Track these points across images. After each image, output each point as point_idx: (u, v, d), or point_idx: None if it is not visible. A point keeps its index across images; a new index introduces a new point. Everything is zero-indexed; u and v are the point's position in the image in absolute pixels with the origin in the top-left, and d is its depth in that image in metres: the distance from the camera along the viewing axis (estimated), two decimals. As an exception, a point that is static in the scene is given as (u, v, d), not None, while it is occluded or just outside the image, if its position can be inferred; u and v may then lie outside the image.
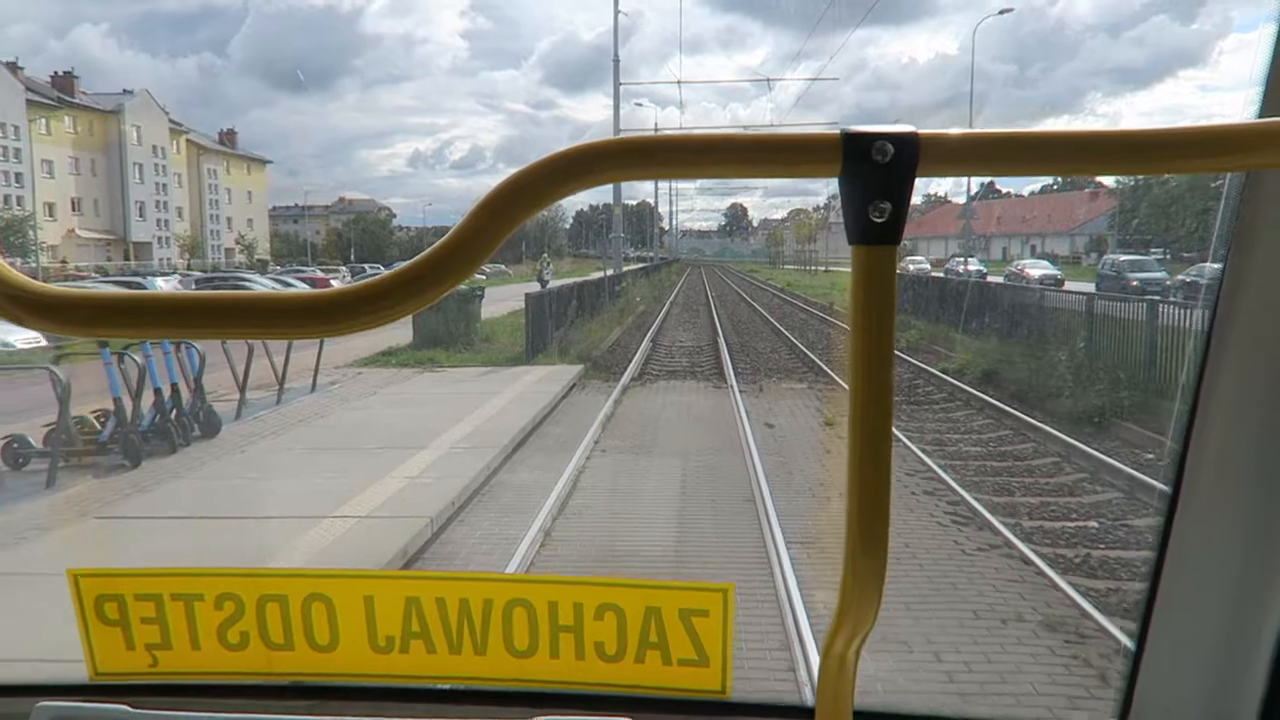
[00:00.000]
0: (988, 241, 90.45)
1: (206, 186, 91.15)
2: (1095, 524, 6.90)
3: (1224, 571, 0.94)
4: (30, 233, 50.53)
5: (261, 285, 33.00)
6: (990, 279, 26.59)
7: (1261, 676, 0.91)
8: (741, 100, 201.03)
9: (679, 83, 47.87)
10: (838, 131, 0.47)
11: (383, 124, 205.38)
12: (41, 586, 4.65)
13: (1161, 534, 0.98)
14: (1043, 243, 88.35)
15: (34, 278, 0.50)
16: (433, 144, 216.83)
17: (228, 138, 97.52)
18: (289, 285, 34.76)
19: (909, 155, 0.46)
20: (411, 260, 0.47)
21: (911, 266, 41.09)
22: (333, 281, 39.05)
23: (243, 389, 10.24)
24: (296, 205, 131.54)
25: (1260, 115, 0.83)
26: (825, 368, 14.52)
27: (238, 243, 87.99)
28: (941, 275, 28.34)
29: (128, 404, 7.96)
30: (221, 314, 0.47)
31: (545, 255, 42.89)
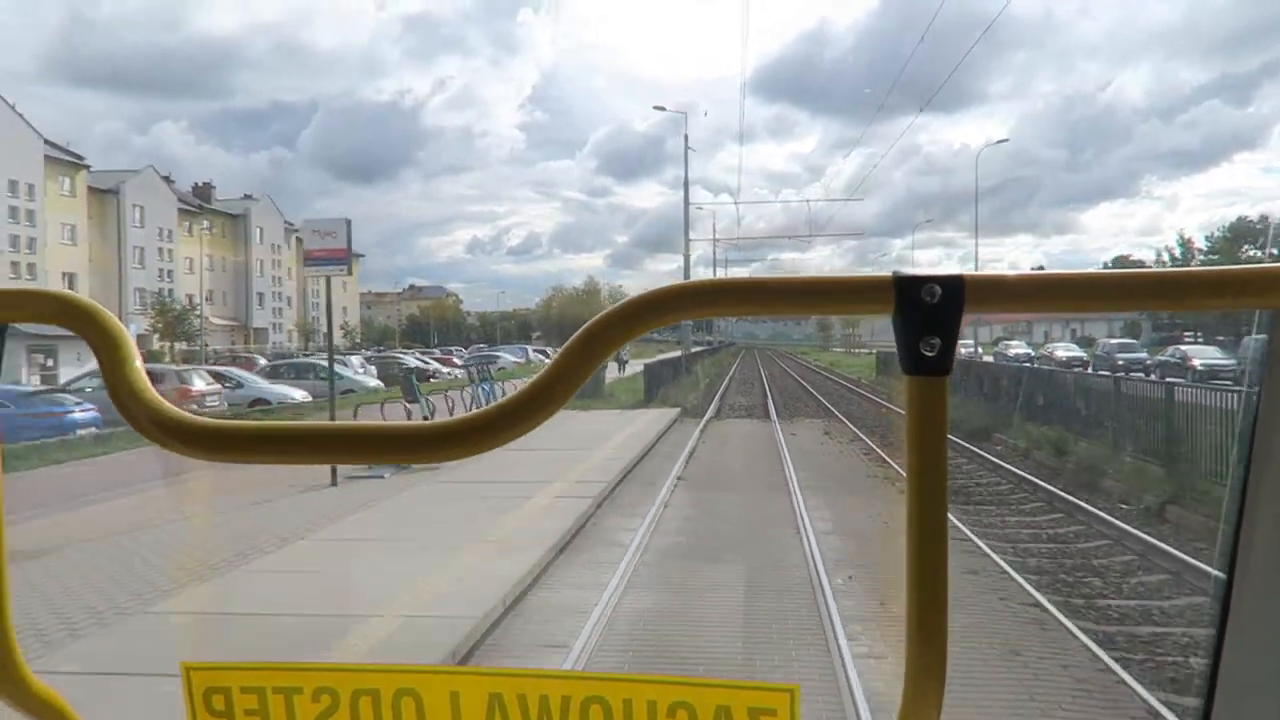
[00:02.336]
0: (1030, 326, 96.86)
1: (155, 252, 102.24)
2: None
3: None
4: (196, 321, 61.09)
5: (407, 359, 42.11)
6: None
7: None
8: (794, 185, 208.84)
9: (736, 204, 56.78)
10: (890, 274, 0.52)
11: (443, 212, 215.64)
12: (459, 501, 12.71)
13: (1219, 619, 0.98)
14: (1082, 327, 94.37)
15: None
16: (490, 231, 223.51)
17: (201, 192, 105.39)
18: (427, 363, 43.65)
19: (955, 296, 0.51)
20: (512, 395, 0.53)
21: (963, 350, 48.13)
22: (454, 360, 47.97)
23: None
24: (370, 292, 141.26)
25: None
26: (835, 411, 22.48)
27: (341, 328, 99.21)
28: (990, 359, 33.76)
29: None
30: (356, 442, 0.54)
31: (622, 339, 50.05)
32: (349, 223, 10.83)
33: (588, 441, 16.06)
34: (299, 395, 25.55)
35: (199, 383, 22.18)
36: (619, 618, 6.76)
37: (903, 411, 0.54)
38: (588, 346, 0.53)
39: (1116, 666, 5.81)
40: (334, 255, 10.96)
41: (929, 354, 0.51)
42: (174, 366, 28.11)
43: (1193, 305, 0.53)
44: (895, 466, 13.48)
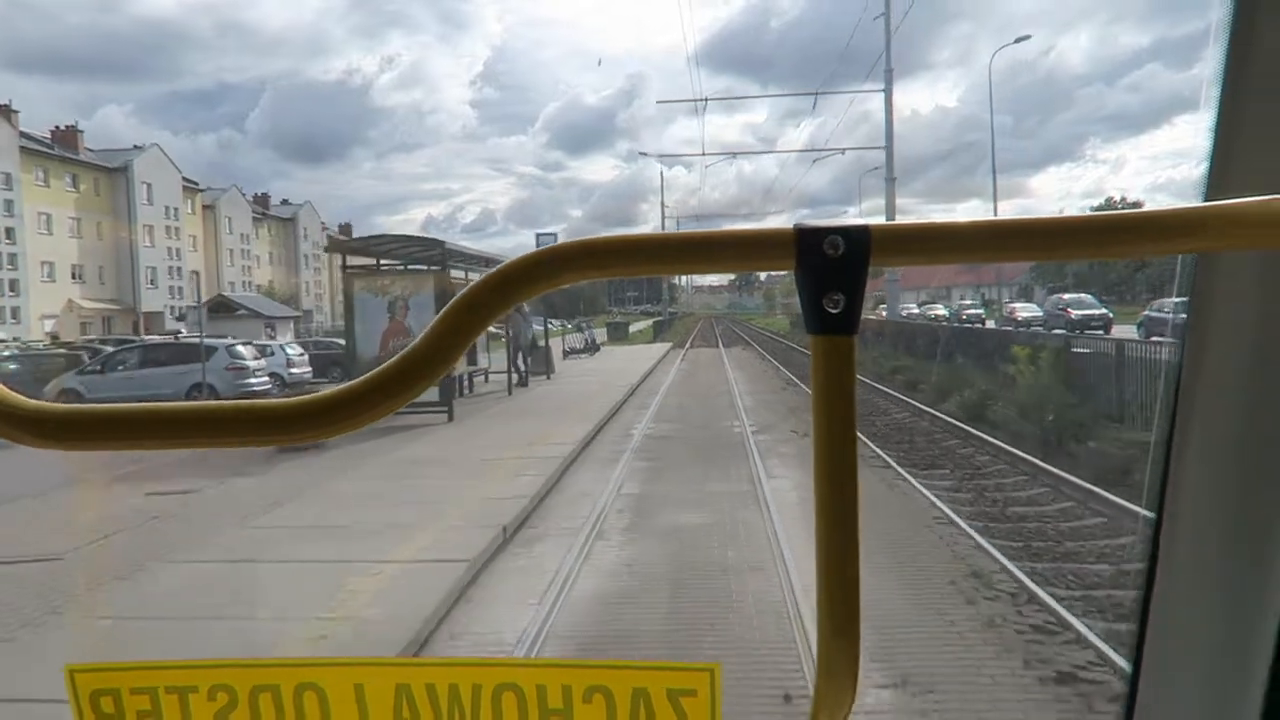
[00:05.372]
0: (949, 291, 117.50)
1: (241, 252, 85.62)
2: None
3: (1213, 595, 0.97)
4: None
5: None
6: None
7: (1259, 699, 0.95)
8: (746, 158, 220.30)
9: (694, 199, 75.46)
10: (792, 227, 0.49)
11: (397, 191, 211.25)
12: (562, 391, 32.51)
13: (1149, 562, 1.00)
14: (991, 290, 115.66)
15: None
16: (445, 208, 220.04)
17: (262, 200, 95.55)
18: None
19: (860, 248, 0.48)
20: (391, 360, 0.49)
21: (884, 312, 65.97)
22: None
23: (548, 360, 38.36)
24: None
25: (1205, 197, 0.89)
26: (753, 344, 42.86)
27: None
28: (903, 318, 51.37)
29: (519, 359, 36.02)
30: (218, 424, 0.50)
31: (592, 317, 68.67)
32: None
33: (638, 354, 36.15)
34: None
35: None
36: (678, 377, 26.66)
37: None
38: (464, 316, 0.50)
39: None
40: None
41: (833, 311, 0.49)
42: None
43: (1110, 252, 0.52)
44: (769, 359, 33.62)
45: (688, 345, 43.54)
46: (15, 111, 57.84)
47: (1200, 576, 0.98)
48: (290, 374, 25.17)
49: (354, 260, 16.44)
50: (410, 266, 16.70)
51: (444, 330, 0.50)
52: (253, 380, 22.59)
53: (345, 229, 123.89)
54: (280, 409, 0.50)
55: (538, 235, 25.84)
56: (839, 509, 0.50)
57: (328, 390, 0.50)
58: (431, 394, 15.63)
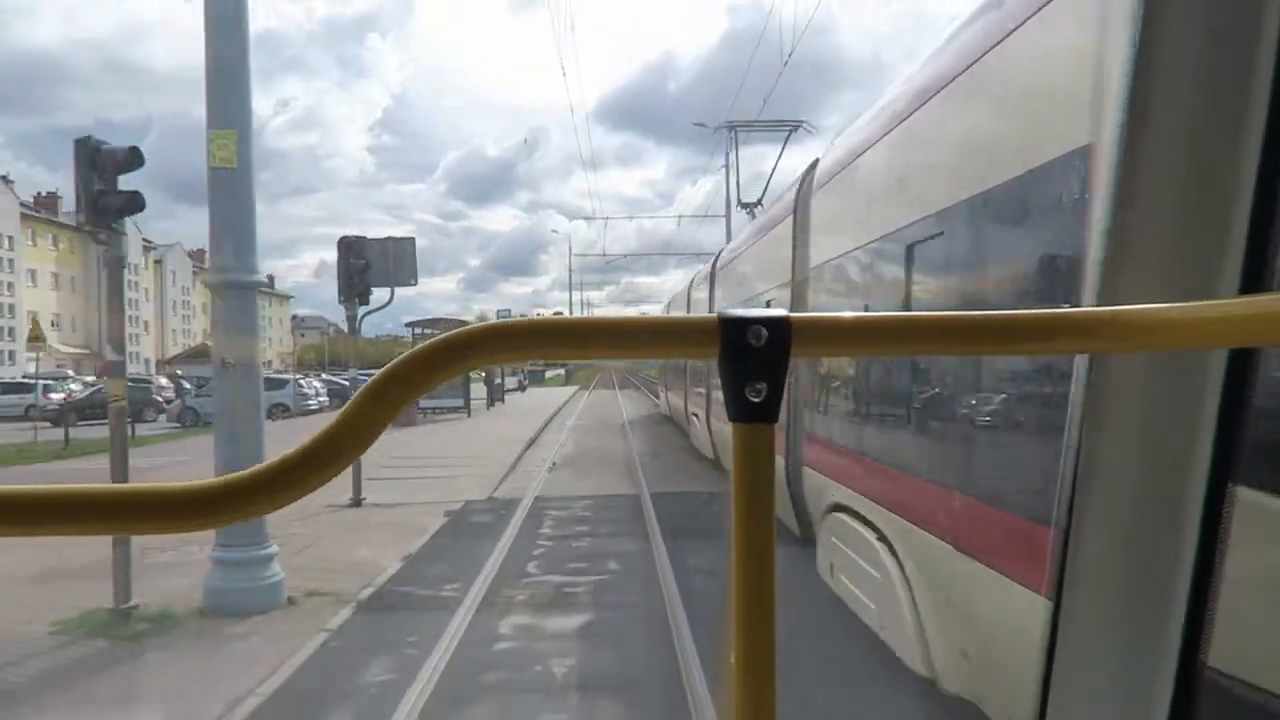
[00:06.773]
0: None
1: (182, 303, 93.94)
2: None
3: (1109, 672, 1.00)
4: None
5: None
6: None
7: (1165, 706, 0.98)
8: (646, 210, 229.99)
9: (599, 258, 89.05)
10: (716, 316, 0.49)
11: (290, 235, 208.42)
12: (511, 419, 45.24)
13: (1048, 643, 1.04)
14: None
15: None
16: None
17: (199, 255, 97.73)
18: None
19: (782, 338, 0.48)
20: (303, 445, 0.48)
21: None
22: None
23: (502, 391, 51.00)
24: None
25: (1096, 302, 0.95)
26: (641, 387, 56.53)
27: (279, 355, 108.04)
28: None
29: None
30: (109, 509, 0.47)
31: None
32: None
33: (556, 392, 49.16)
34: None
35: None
36: (587, 404, 39.86)
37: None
38: (379, 395, 0.49)
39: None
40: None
41: (754, 399, 0.49)
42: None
43: (1018, 349, 0.53)
44: (648, 395, 47.07)
45: (591, 386, 57.15)
46: (11, 181, 67.05)
47: (1097, 652, 1.00)
48: (319, 401, 36.86)
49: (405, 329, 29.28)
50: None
51: (354, 417, 0.49)
52: (311, 402, 34.40)
53: (269, 279, 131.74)
54: (196, 492, 0.47)
55: (497, 312, 37.36)
56: (755, 593, 0.50)
57: (246, 472, 0.48)
58: (457, 401, 28.49)
